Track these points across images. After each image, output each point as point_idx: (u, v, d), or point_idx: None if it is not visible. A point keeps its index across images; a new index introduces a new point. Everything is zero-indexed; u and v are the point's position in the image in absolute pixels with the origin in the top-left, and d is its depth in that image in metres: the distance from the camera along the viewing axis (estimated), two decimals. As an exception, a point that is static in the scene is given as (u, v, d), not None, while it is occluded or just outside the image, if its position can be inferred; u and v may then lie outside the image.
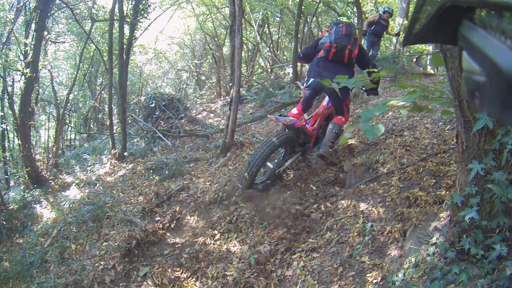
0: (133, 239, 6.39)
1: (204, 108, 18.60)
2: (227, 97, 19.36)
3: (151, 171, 9.17)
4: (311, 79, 7.41)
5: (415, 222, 5.27)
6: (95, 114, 22.26)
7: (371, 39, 14.23)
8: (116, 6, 10.80)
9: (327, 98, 8.21)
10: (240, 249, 6.34)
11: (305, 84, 7.83)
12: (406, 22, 16.46)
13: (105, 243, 6.52)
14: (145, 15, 13.06)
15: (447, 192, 5.73)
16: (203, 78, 25.69)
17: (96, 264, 6.23)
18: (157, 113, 12.34)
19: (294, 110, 7.89)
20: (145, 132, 11.67)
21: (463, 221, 3.84)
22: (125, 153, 10.54)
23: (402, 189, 6.51)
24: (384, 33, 14.65)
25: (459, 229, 3.96)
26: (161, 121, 12.12)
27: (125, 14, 11.10)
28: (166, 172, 8.85)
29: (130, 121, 13.54)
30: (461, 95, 3.70)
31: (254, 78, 20.04)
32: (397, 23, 16.34)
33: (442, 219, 4.94)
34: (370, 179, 7.28)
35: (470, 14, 0.86)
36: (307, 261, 5.77)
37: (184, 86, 27.44)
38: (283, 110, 13.35)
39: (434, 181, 6.27)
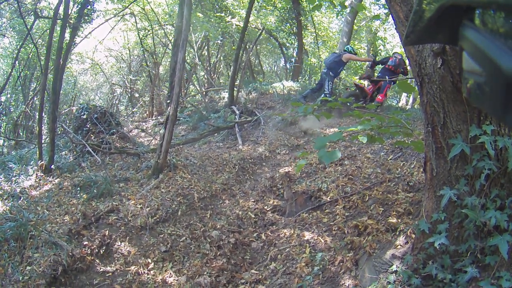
0: (59, 264, 5.68)
1: (136, 126, 17.98)
2: (159, 117, 18.90)
3: (79, 188, 8.41)
4: (379, 74, 12.64)
5: (368, 251, 5.03)
6: (26, 121, 21.02)
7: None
8: (62, 5, 10.08)
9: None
10: (177, 280, 5.79)
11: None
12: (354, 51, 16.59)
13: (28, 267, 5.72)
14: (89, 20, 12.58)
15: (399, 220, 5.54)
16: (137, 95, 25.07)
17: (20, 292, 5.48)
18: (88, 126, 11.56)
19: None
20: (74, 145, 10.87)
21: (429, 248, 3.91)
22: (52, 166, 9.74)
23: (348, 217, 6.31)
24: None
25: (424, 256, 4.00)
26: (91, 135, 11.37)
27: (69, 15, 10.45)
28: (95, 191, 8.09)
29: (59, 132, 12.69)
30: (435, 122, 3.66)
31: (188, 99, 19.59)
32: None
33: (399, 246, 4.74)
34: (313, 208, 7.04)
35: (470, 14, 0.87)
36: (253, 293, 5.32)
37: (117, 101, 26.60)
38: (215, 134, 13.08)
39: (383, 209, 6.08)
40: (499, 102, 0.74)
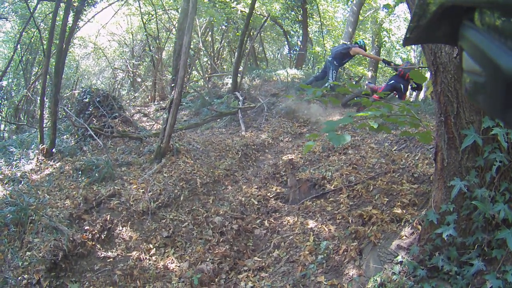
0: (59, 250, 5.62)
1: (138, 110, 17.84)
2: (161, 102, 18.75)
3: (80, 172, 8.31)
4: (392, 81, 11.90)
5: (373, 241, 5.01)
6: (27, 105, 20.87)
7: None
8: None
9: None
10: (179, 266, 5.76)
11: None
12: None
13: (28, 253, 5.65)
14: (92, 3, 12.47)
15: (404, 211, 5.50)
16: (139, 80, 24.87)
17: (19, 278, 5.37)
18: (90, 109, 11.38)
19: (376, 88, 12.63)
20: (76, 128, 10.76)
21: (436, 239, 3.93)
22: (53, 150, 9.65)
23: (352, 207, 6.26)
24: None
25: (431, 247, 4.03)
26: (93, 118, 11.20)
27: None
28: (96, 174, 8.00)
29: (61, 116, 12.59)
30: (448, 111, 3.62)
31: (191, 85, 19.47)
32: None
33: (405, 237, 4.73)
34: (317, 196, 6.97)
35: (470, 14, 0.86)
36: (256, 281, 5.33)
37: (119, 86, 26.30)
38: (218, 120, 13.04)
39: (387, 199, 6.03)
40: (499, 102, 0.74)
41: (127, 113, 13.58)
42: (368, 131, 9.09)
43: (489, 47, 0.76)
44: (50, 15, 11.99)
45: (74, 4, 10.76)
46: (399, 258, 4.33)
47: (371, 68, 21.49)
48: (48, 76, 11.74)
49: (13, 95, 21.44)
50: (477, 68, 0.81)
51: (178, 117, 13.62)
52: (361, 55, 15.13)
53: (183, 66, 8.61)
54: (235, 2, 18.45)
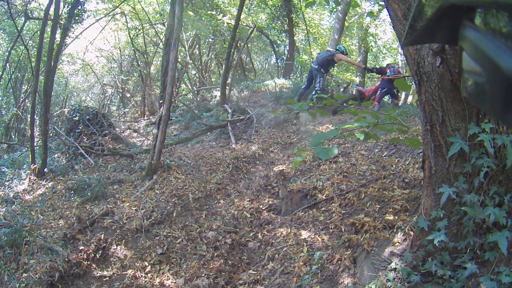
0: (55, 271, 5.60)
1: (128, 126, 17.89)
2: (151, 117, 18.75)
3: (72, 192, 8.30)
4: (386, 89, 12.66)
5: (367, 249, 5.00)
6: (18, 123, 20.79)
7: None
8: (53, 5, 9.94)
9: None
10: (174, 282, 5.74)
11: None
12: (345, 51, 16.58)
13: (25, 274, 5.62)
14: (79, 20, 12.47)
15: (396, 217, 5.53)
16: (128, 95, 24.92)
17: (17, 300, 5.39)
18: (80, 128, 11.38)
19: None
20: (66, 147, 10.75)
21: (428, 245, 3.92)
22: (45, 169, 9.62)
23: (344, 215, 6.27)
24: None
25: (424, 253, 4.02)
26: (84, 137, 11.19)
27: (60, 15, 10.33)
28: (89, 193, 8.00)
29: (51, 134, 12.55)
30: (433, 120, 3.66)
31: (180, 98, 19.49)
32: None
33: (398, 244, 4.76)
34: (309, 206, 6.99)
35: (470, 14, 0.87)
36: (252, 295, 5.28)
37: (108, 102, 26.52)
38: (208, 133, 13.01)
39: (379, 206, 6.06)
40: (499, 102, 0.74)
41: (117, 130, 13.58)
42: (358, 138, 9.14)
43: (489, 47, 0.76)
44: (38, 32, 11.96)
45: (61, 22, 10.77)
46: (393, 265, 4.34)
47: (359, 74, 21.59)
48: (37, 94, 11.73)
49: (3, 113, 21.41)
50: (477, 68, 0.82)
51: (168, 131, 13.65)
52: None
53: (171, 82, 8.65)
54: (221, 15, 18.49)
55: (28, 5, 16.20)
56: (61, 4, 10.96)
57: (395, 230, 5.22)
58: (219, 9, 19.44)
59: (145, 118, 19.60)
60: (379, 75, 13.65)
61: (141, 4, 20.25)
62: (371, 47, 23.17)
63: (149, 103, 21.33)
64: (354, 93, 14.76)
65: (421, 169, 6.58)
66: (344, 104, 13.15)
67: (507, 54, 0.70)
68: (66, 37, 12.21)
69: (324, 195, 7.03)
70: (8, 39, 19.91)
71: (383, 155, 7.92)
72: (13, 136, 20.34)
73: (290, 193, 7.41)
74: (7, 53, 18.13)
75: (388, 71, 12.95)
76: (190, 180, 8.63)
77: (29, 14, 15.53)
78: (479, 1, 0.84)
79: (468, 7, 0.87)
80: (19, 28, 14.89)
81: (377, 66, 14.64)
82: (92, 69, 25.63)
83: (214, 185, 8.66)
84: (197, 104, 16.62)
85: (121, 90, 24.83)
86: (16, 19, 15.73)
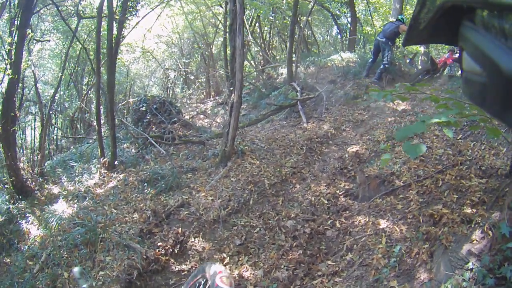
0: (133, 269, 5.80)
1: (195, 109, 18.22)
2: (217, 97, 18.84)
3: (146, 184, 8.50)
4: None
5: (445, 244, 4.89)
6: (82, 115, 21.41)
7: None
8: (105, 2, 10.10)
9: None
10: (253, 274, 5.81)
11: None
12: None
13: (101, 272, 5.79)
14: (134, 12, 12.62)
15: (473, 210, 5.33)
16: (192, 77, 25.16)
17: (94, 299, 5.58)
18: (148, 117, 11.69)
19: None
20: (135, 138, 11.02)
21: (507, 250, 3.85)
22: (116, 162, 9.91)
23: (422, 204, 6.11)
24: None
25: (501, 257, 3.94)
26: (152, 126, 11.47)
27: (114, 12, 10.50)
28: (163, 185, 8.20)
29: (118, 124, 12.84)
30: None
31: (245, 77, 19.48)
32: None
33: (475, 241, 4.61)
34: (386, 193, 6.85)
35: (470, 14, 0.87)
36: (330, 287, 5.27)
37: (172, 85, 26.85)
38: (278, 113, 12.98)
39: (457, 196, 5.85)
40: (499, 102, 0.75)
41: (185, 116, 13.72)
42: (431, 113, 8.91)
43: (489, 47, 0.77)
44: (95, 29, 12.13)
45: (116, 17, 10.91)
46: (470, 265, 4.27)
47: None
48: (101, 90, 11.99)
49: (66, 106, 21.99)
50: (478, 68, 0.82)
51: None
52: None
53: (239, 69, 8.67)
54: (280, -9, 18.26)
55: (79, 4, 16.45)
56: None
57: (473, 226, 5.04)
58: None
59: (211, 99, 19.74)
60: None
61: None
62: None
63: (214, 83, 21.44)
64: (428, 63, 14.34)
65: (497, 156, 6.44)
66: (420, 76, 13.34)
67: (507, 54, 0.71)
68: (123, 30, 12.31)
69: (402, 181, 6.88)
70: (63, 38, 20.31)
71: (458, 138, 7.66)
72: (79, 127, 20.97)
73: (367, 178, 7.26)
74: (64, 50, 18.49)
75: None
76: (265, 165, 8.71)
77: (82, 14, 15.78)
78: (479, 1, 0.83)
79: (468, 7, 0.86)
80: (73, 28, 15.21)
81: None
82: (152, 55, 25.79)
83: (289, 169, 8.69)
84: (264, 82, 16.66)
85: (184, 73, 25.01)
86: (68, 19, 16.05)
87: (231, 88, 8.90)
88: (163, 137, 10.72)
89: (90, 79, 21.45)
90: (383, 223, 6.06)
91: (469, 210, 5.35)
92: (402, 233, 5.64)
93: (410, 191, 6.53)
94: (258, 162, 8.88)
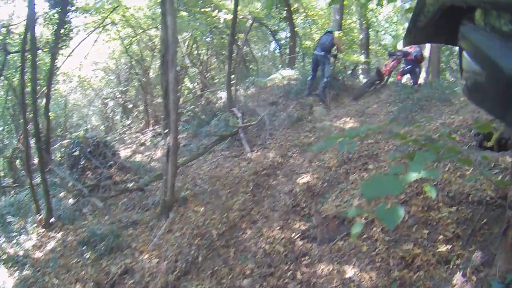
0: None
1: (134, 140, 17.47)
2: (156, 127, 18.13)
3: (84, 246, 7.73)
4: (410, 66, 12.68)
5: (423, 291, 4.34)
6: (21, 154, 20.25)
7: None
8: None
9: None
10: None
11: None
12: (341, 33, 15.97)
13: None
14: (67, 40, 11.98)
15: (448, 248, 4.81)
16: (130, 106, 24.41)
17: None
18: (82, 162, 10.89)
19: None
20: (72, 191, 10.14)
21: None
22: (52, 219, 9.03)
23: (389, 244, 5.53)
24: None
25: None
26: (88, 172, 10.72)
27: (45, 41, 9.73)
28: (103, 247, 7.43)
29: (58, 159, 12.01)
30: None
31: (183, 104, 18.90)
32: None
33: (456, 286, 4.21)
34: (348, 233, 6.24)
35: (470, 14, 0.88)
36: None
37: (111, 114, 26.23)
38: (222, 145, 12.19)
39: (427, 231, 5.28)
40: (499, 102, 0.75)
41: (125, 151, 13.02)
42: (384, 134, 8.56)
43: (489, 47, 0.76)
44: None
45: (45, 50, 10.17)
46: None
47: (362, 51, 20.99)
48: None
49: (6, 143, 20.89)
50: (477, 68, 0.82)
51: None
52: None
53: (174, 107, 7.80)
54: (216, 11, 17.78)
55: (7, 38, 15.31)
56: (46, 26, 10.60)
57: (451, 267, 4.56)
58: (212, 4, 18.69)
59: (151, 128, 19.03)
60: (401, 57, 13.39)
61: (130, 10, 19.75)
62: (372, 23, 22.97)
63: (152, 112, 20.78)
64: (373, 74, 14.50)
65: (463, 178, 5.92)
66: (369, 86, 13.51)
67: (507, 54, 0.70)
68: (56, 59, 11.58)
69: (363, 218, 6.17)
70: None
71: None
72: (19, 167, 19.89)
73: (325, 219, 6.63)
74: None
75: (415, 50, 12.71)
76: (210, 212, 7.95)
77: (8, 48, 14.70)
78: (479, 1, 0.80)
79: (468, 7, 0.84)
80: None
81: (397, 49, 14.26)
82: (89, 84, 25.27)
83: (237, 213, 7.92)
84: (203, 108, 16.02)
85: (122, 102, 24.34)
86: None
87: (166, 131, 8.08)
88: (99, 185, 9.95)
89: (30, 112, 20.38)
90: (349, 271, 5.44)
91: (443, 248, 4.84)
92: (372, 281, 5.05)
93: (374, 229, 5.90)
94: (202, 208, 8.12)
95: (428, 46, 17.54)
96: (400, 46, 14.58)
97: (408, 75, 13.51)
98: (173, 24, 7.82)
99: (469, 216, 5.06)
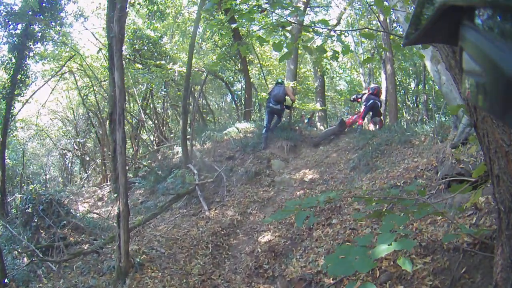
0: None
1: (92, 195, 16.90)
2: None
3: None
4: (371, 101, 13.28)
5: None
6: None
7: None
8: None
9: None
10: None
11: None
12: (295, 84, 15.97)
13: None
14: (24, 88, 11.58)
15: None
16: (87, 158, 23.94)
17: None
18: (35, 220, 10.20)
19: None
20: (25, 251, 9.47)
21: None
22: (5, 280, 8.32)
23: (363, 305, 5.02)
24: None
25: None
26: (41, 231, 10.02)
27: (2, 86, 9.36)
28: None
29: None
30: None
31: (140, 159, 18.50)
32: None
33: None
34: (316, 297, 5.76)
35: (470, 14, 0.84)
36: None
37: (70, 165, 25.56)
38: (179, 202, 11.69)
39: (402, 287, 4.83)
40: (499, 103, 0.70)
41: (80, 209, 12.51)
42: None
43: (489, 47, 0.71)
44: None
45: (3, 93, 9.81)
46: None
47: (318, 99, 21.03)
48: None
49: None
50: (478, 69, 0.76)
51: (133, 198, 12.82)
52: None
53: (123, 170, 7.10)
54: (171, 63, 17.65)
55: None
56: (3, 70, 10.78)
57: None
58: (168, 57, 18.70)
59: (108, 183, 18.41)
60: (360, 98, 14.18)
61: (87, 60, 19.66)
62: (326, 70, 22.95)
63: (110, 165, 20.31)
64: (336, 125, 14.88)
65: (434, 225, 5.59)
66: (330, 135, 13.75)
67: (508, 55, 0.65)
68: (13, 107, 11.18)
69: (331, 279, 5.75)
70: None
71: (383, 210, 6.73)
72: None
73: (290, 283, 6.15)
74: None
75: (369, 89, 13.54)
76: (168, 277, 7.33)
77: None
78: (479, 1, 0.79)
79: (468, 7, 0.81)
80: None
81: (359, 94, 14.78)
82: (47, 133, 24.79)
83: (196, 277, 7.34)
84: (160, 164, 15.55)
85: (79, 154, 23.76)
86: None
87: (115, 195, 7.47)
88: (54, 246, 9.25)
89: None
90: None
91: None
92: None
93: (344, 288, 5.48)
94: (160, 274, 7.48)
95: (384, 88, 17.53)
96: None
97: (370, 121, 13.96)
98: (121, 80, 7.11)
99: (446, 265, 4.66)
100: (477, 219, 5.14)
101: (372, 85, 13.66)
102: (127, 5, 7.52)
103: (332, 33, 5.61)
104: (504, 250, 2.92)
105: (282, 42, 5.32)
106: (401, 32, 10.00)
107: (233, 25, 7.09)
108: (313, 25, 5.33)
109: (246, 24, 9.16)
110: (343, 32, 5.61)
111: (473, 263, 4.32)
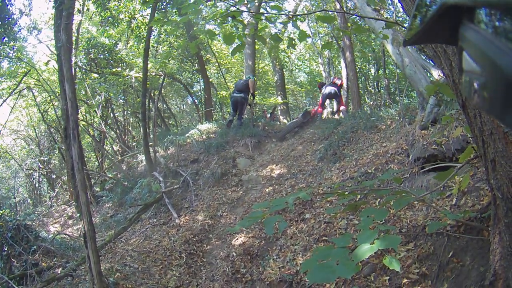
0: None
1: (61, 214, 16.53)
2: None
3: None
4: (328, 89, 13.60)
5: None
6: None
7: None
8: None
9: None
10: None
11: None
12: (255, 78, 15.73)
13: None
14: None
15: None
16: (54, 176, 23.05)
17: None
18: (5, 249, 9.68)
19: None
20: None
21: None
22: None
23: (349, 299, 4.70)
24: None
25: None
26: (13, 259, 9.51)
27: None
28: None
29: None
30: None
31: (105, 171, 17.91)
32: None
33: None
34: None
35: (470, 14, 0.81)
36: None
37: (37, 185, 24.80)
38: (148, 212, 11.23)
39: (388, 277, 4.60)
40: (499, 103, 0.67)
41: (51, 229, 12.14)
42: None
43: (489, 47, 0.68)
44: None
45: None
46: None
47: (279, 92, 20.81)
48: None
49: None
50: (477, 69, 0.74)
51: (102, 212, 12.56)
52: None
53: (82, 187, 6.44)
54: (128, 69, 17.28)
55: None
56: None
57: None
58: (124, 63, 18.23)
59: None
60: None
61: (44, 75, 19.11)
62: (285, 63, 22.94)
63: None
64: (299, 116, 14.72)
65: (412, 209, 5.30)
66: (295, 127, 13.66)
67: (508, 55, 0.62)
68: None
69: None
70: None
71: (357, 199, 6.36)
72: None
73: (270, 285, 5.78)
74: None
75: (337, 79, 13.95)
76: (145, 294, 6.90)
77: None
78: (479, 1, 0.75)
79: (468, 7, 0.78)
80: None
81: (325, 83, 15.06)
82: (10, 155, 24.17)
83: (174, 290, 6.95)
84: (125, 174, 15.04)
85: (45, 172, 23.02)
86: None
87: (78, 215, 6.92)
88: (27, 274, 8.73)
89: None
90: None
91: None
92: None
93: (327, 286, 5.10)
94: (136, 292, 7.05)
95: (344, 75, 17.38)
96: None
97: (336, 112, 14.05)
98: (72, 92, 6.51)
99: (431, 250, 4.41)
100: (457, 199, 4.83)
101: (338, 76, 14.16)
102: (76, 13, 6.98)
103: (286, 18, 5.16)
104: (503, 238, 2.76)
105: (233, 34, 4.87)
106: (357, 18, 9.65)
107: (179, 19, 6.58)
108: (265, 12, 4.90)
109: (194, 17, 8.66)
110: (297, 17, 5.25)
111: (460, 245, 4.06)
